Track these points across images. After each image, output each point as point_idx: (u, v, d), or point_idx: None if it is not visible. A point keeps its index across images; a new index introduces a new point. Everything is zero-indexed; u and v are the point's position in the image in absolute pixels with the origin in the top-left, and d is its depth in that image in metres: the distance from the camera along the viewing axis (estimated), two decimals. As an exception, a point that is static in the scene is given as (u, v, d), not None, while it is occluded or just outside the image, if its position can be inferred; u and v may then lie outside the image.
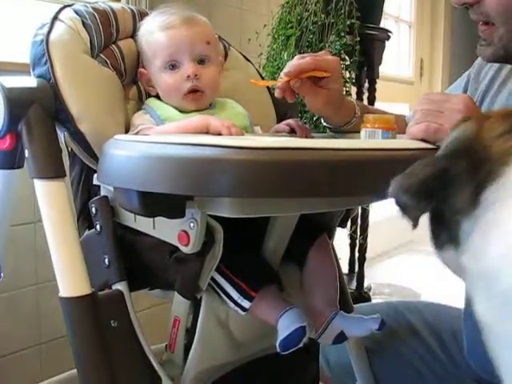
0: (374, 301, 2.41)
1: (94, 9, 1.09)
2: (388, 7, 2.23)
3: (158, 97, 1.10)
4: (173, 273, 0.93)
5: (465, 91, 1.19)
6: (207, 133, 0.94)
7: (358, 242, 2.22)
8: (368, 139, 0.97)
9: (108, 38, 1.09)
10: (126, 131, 1.05)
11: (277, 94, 1.04)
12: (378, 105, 2.17)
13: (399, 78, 3.91)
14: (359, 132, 0.99)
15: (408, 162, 0.57)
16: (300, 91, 1.04)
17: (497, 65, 1.11)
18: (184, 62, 1.05)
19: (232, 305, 0.95)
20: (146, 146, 0.72)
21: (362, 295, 2.17)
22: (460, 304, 1.12)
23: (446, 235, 0.57)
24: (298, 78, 1.01)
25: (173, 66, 1.05)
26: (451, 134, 0.60)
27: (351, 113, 1.12)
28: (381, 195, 0.60)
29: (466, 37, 4.70)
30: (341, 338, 1.05)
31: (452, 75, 4.49)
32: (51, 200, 0.92)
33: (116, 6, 1.14)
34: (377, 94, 2.22)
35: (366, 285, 2.27)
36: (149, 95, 1.15)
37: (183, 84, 1.05)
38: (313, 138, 1.13)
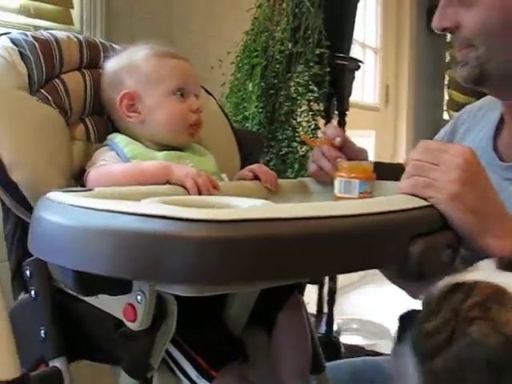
0: (341, 338, 2.32)
1: (35, 38, 0.96)
2: (354, 33, 2.16)
3: (119, 131, 1.02)
4: (119, 349, 0.79)
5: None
6: (167, 183, 0.87)
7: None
8: (343, 191, 0.88)
9: (50, 71, 0.96)
10: (74, 176, 0.95)
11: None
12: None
13: (364, 105, 3.85)
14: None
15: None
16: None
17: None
18: (190, 95, 1.02)
19: (188, 384, 0.82)
20: (83, 212, 0.58)
21: (332, 340, 2.05)
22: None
23: None
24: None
25: (182, 94, 1.01)
26: None
27: None
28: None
29: (431, 62, 4.71)
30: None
31: (417, 101, 4.47)
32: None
33: (60, 34, 1.00)
34: (342, 121, 2.11)
35: (335, 327, 2.15)
36: (99, 133, 1.03)
37: (189, 115, 1.01)
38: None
